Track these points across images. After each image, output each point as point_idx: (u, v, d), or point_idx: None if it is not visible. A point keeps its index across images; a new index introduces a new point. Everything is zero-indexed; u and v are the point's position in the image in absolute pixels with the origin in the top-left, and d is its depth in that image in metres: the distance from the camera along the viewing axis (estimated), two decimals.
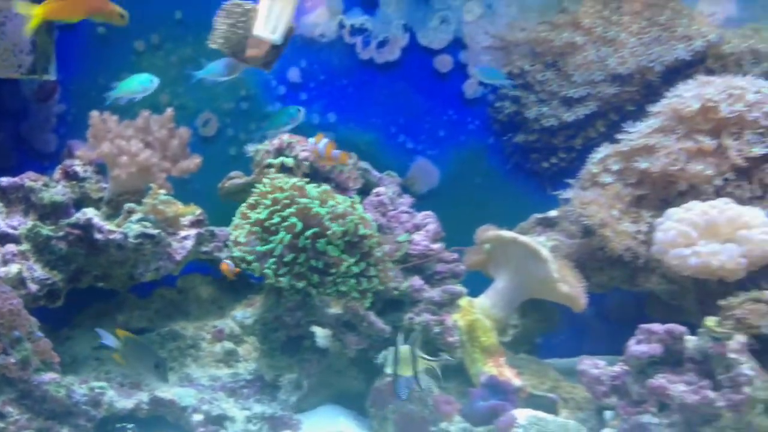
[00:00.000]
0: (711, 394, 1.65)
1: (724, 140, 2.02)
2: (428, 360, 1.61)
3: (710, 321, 1.74)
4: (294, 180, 1.82)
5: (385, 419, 1.84)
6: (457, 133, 2.37)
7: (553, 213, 2.19)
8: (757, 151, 1.98)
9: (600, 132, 2.29)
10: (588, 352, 1.97)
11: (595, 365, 1.85)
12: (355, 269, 1.72)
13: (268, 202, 1.74)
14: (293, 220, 1.71)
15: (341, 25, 2.28)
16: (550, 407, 1.85)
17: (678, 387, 1.67)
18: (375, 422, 1.86)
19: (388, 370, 1.62)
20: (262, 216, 1.73)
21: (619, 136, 2.12)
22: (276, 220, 1.72)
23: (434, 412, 1.81)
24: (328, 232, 1.69)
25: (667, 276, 2.04)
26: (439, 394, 1.83)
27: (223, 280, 2.06)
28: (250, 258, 1.75)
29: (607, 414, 1.90)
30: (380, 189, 1.99)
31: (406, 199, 2.16)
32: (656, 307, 2.19)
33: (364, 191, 2.16)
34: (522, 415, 1.75)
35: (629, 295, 2.25)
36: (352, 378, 1.98)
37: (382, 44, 2.30)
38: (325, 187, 1.86)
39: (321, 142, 1.84)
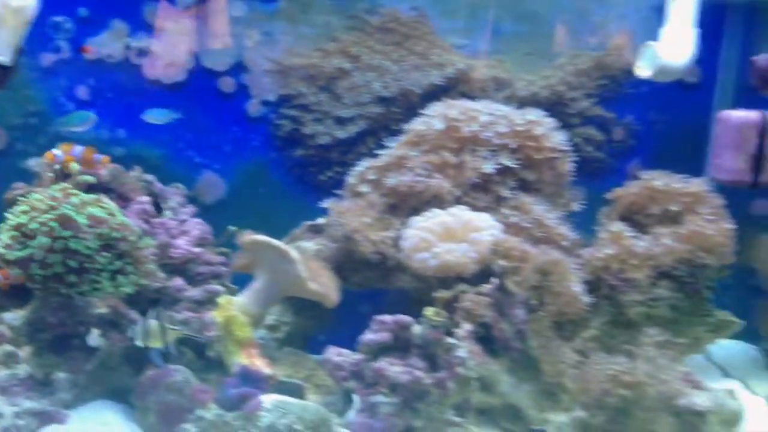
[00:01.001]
0: (419, 373, 1.91)
1: (462, 157, 2.32)
2: (177, 330, 1.79)
3: (429, 311, 2.00)
4: (58, 188, 1.96)
5: (148, 410, 1.98)
6: (241, 149, 2.58)
7: (321, 220, 2.43)
8: (488, 168, 2.29)
9: (370, 148, 2.55)
10: None
11: (338, 353, 2.08)
12: (111, 268, 1.87)
13: (26, 208, 1.87)
14: (53, 224, 1.86)
15: (127, 47, 2.45)
16: (298, 392, 2.06)
17: (394, 369, 1.93)
18: (139, 413, 2.01)
19: (139, 343, 1.78)
20: (22, 220, 1.87)
21: (377, 152, 2.40)
22: (35, 226, 1.85)
23: (191, 401, 1.96)
24: (82, 235, 1.84)
25: (416, 275, 2.31)
26: (197, 384, 2.01)
27: None
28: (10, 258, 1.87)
29: (356, 397, 2.14)
30: (143, 198, 2.15)
31: (189, 209, 2.35)
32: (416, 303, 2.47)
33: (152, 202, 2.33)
34: (268, 399, 1.94)
35: (404, 293, 2.52)
36: (124, 374, 2.10)
37: (169, 65, 2.48)
38: (91, 196, 2.00)
39: (76, 149, 1.99)
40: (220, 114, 2.55)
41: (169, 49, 2.47)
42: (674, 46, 2.36)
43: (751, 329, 2.57)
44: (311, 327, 2.44)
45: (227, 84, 2.51)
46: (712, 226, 2.14)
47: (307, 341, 2.42)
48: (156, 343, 1.77)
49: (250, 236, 2.12)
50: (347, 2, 2.54)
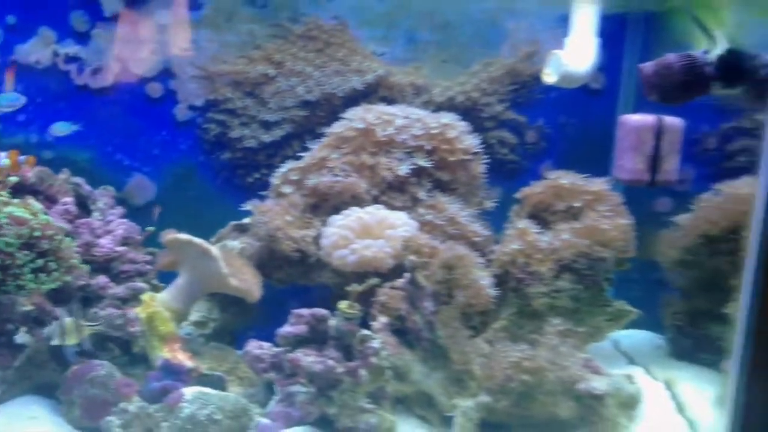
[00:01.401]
0: (332, 363, 2.03)
1: (378, 159, 2.45)
2: (92, 326, 1.87)
3: (343, 305, 2.11)
4: None
5: (73, 403, 2.06)
6: (170, 152, 2.68)
7: (247, 220, 2.54)
8: (403, 169, 2.43)
9: (296, 150, 2.66)
10: None
11: (259, 346, 2.18)
12: (32, 266, 1.95)
13: None
14: None
15: (55, 54, 2.53)
16: (220, 384, 2.16)
17: (308, 359, 2.04)
18: (65, 407, 2.09)
19: (55, 342, 1.86)
20: None
21: (301, 154, 2.52)
22: None
23: (116, 395, 2.05)
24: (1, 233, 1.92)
25: (336, 271, 2.43)
26: (121, 378, 2.09)
27: None
28: None
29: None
30: (66, 199, 2.24)
31: (118, 210, 2.44)
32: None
33: (79, 204, 2.41)
34: (189, 391, 2.03)
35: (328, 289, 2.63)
36: (50, 370, 2.16)
37: (95, 72, 2.56)
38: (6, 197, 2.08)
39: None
40: (148, 118, 2.63)
41: (128, 54, 2.56)
42: (577, 54, 2.52)
43: (657, 320, 2.76)
44: (238, 323, 2.53)
45: (155, 89, 2.60)
46: (608, 221, 2.29)
47: (234, 337, 2.51)
48: (71, 341, 1.84)
49: (172, 235, 2.21)
50: (270, 11, 2.65)
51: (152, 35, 2.57)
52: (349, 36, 2.69)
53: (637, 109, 2.64)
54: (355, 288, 2.09)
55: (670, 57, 2.12)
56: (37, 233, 1.94)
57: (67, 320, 1.84)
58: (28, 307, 2.04)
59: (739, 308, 1.97)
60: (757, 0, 2.45)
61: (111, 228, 2.23)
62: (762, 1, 2.45)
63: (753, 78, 1.96)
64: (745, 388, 1.95)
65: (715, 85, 2.10)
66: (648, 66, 2.17)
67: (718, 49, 2.06)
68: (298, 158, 2.55)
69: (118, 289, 2.15)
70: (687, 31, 2.33)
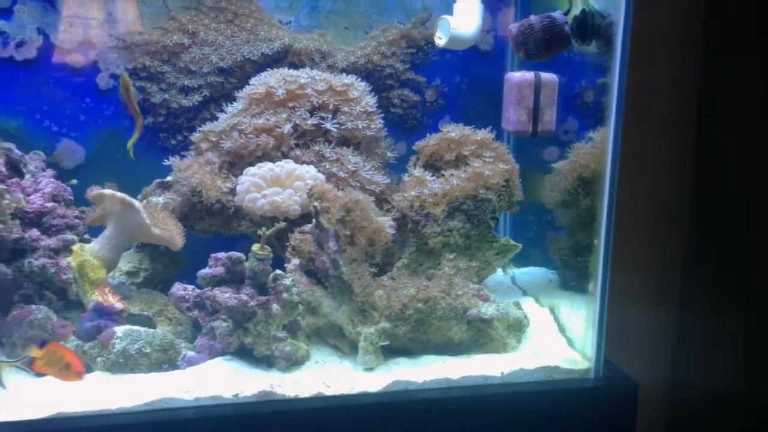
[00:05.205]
0: (245, 297, 2.26)
1: (281, 117, 2.69)
2: (7, 363, 2.06)
3: (255, 247, 2.31)
4: None
5: (15, 345, 2.27)
6: (95, 118, 2.85)
7: (169, 178, 2.76)
8: (309, 122, 2.68)
9: (213, 113, 2.88)
10: None
11: (183, 288, 2.37)
12: None
13: None
14: None
15: None
16: (148, 323, 2.37)
17: (223, 295, 2.28)
18: (8, 349, 2.29)
19: None
20: None
21: (218, 115, 2.76)
22: None
23: (53, 335, 2.25)
24: None
25: (253, 221, 2.67)
26: (57, 320, 2.31)
27: None
28: None
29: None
30: None
31: (49, 172, 2.63)
32: None
33: (12, 168, 2.59)
34: (120, 329, 2.24)
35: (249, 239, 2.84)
36: None
37: (20, 45, 2.73)
38: None
39: None
40: (72, 87, 2.81)
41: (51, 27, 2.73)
42: (464, 19, 2.79)
43: (549, 257, 3.09)
44: (168, 272, 2.75)
45: (77, 60, 2.79)
46: (490, 167, 2.59)
47: (165, 285, 2.72)
48: None
49: (97, 191, 2.43)
50: None
51: (73, 9, 2.74)
52: (255, 7, 2.90)
53: (521, 68, 2.92)
54: (264, 231, 2.32)
55: (532, 18, 2.39)
56: None
57: None
58: None
59: (599, 240, 2.31)
60: None
61: (40, 187, 2.43)
62: None
63: (603, 35, 2.25)
64: (605, 307, 2.30)
65: (573, 43, 2.39)
66: (513, 27, 2.44)
67: (574, 10, 2.35)
68: (215, 120, 2.78)
69: (50, 241, 2.36)
70: None
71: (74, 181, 2.56)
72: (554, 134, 2.84)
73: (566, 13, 2.39)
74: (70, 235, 2.38)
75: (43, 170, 2.62)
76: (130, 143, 2.66)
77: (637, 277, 3.11)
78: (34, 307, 2.27)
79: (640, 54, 2.60)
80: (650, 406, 3.14)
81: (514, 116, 2.77)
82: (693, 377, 3.13)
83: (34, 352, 1.97)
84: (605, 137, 2.20)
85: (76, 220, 2.43)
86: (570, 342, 2.52)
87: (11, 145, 2.61)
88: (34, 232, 2.34)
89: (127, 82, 2.43)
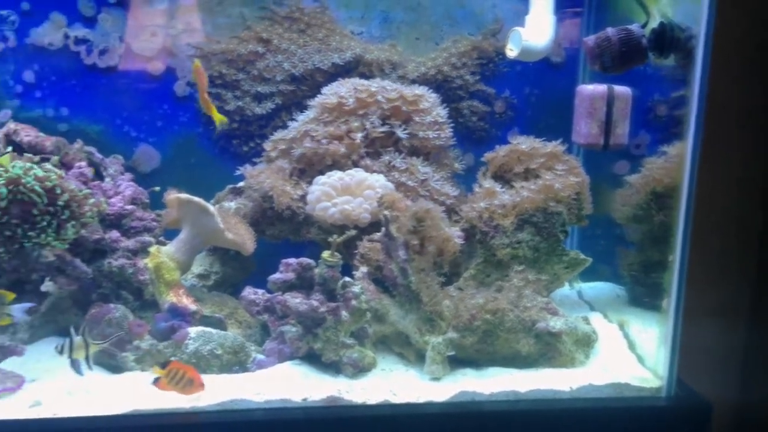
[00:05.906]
0: (315, 303, 2.28)
1: (352, 125, 2.72)
2: (98, 344, 2.13)
3: (325, 254, 2.34)
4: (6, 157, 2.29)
5: None
6: (171, 124, 2.93)
7: (241, 184, 2.82)
8: (380, 130, 2.70)
9: (284, 121, 2.93)
10: None
11: (254, 292, 2.42)
12: (54, 221, 2.21)
13: None
14: (3, 191, 2.19)
15: (66, 36, 2.79)
16: (220, 325, 2.42)
17: (294, 300, 2.31)
18: None
19: (65, 356, 2.08)
20: None
21: (290, 123, 2.80)
22: None
23: (129, 333, 2.32)
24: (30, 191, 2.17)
25: (322, 227, 2.70)
26: (134, 319, 2.37)
27: None
28: None
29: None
30: (81, 163, 2.51)
31: (127, 176, 2.72)
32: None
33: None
34: (194, 330, 2.30)
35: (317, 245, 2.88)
36: (73, 315, 2.44)
37: (103, 52, 2.83)
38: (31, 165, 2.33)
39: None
40: (151, 94, 2.90)
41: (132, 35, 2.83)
42: (535, 31, 2.78)
43: (618, 272, 3.04)
44: (238, 276, 2.80)
45: (156, 67, 2.88)
46: (561, 179, 2.57)
47: (234, 288, 2.78)
48: (80, 356, 2.11)
49: (174, 195, 2.49)
50: None
51: (153, 19, 2.84)
52: (328, 17, 2.95)
53: (593, 80, 2.89)
54: (335, 238, 2.35)
55: (609, 30, 2.38)
56: (57, 191, 2.20)
57: (77, 338, 2.10)
58: (51, 258, 2.32)
59: (674, 256, 2.27)
60: None
61: (120, 190, 2.51)
62: None
63: (682, 49, 2.22)
64: (679, 324, 2.25)
65: (651, 56, 2.36)
66: (590, 39, 2.42)
67: (652, 23, 2.32)
68: (287, 128, 2.83)
69: (129, 243, 2.44)
70: (630, 8, 2.57)
71: (157, 188, 2.63)
72: (625, 148, 2.80)
73: (644, 26, 2.36)
74: (147, 237, 2.46)
75: (122, 174, 2.71)
76: (218, 119, 2.55)
77: (707, 292, 3.04)
78: (112, 305, 2.34)
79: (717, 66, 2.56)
80: (719, 427, 3.05)
81: (585, 129, 2.75)
82: (763, 395, 3.03)
83: (157, 371, 2.05)
84: (683, 151, 2.17)
85: (153, 223, 2.50)
86: (640, 359, 2.47)
87: (93, 149, 2.71)
88: (114, 234, 2.41)
89: (200, 69, 2.46)
